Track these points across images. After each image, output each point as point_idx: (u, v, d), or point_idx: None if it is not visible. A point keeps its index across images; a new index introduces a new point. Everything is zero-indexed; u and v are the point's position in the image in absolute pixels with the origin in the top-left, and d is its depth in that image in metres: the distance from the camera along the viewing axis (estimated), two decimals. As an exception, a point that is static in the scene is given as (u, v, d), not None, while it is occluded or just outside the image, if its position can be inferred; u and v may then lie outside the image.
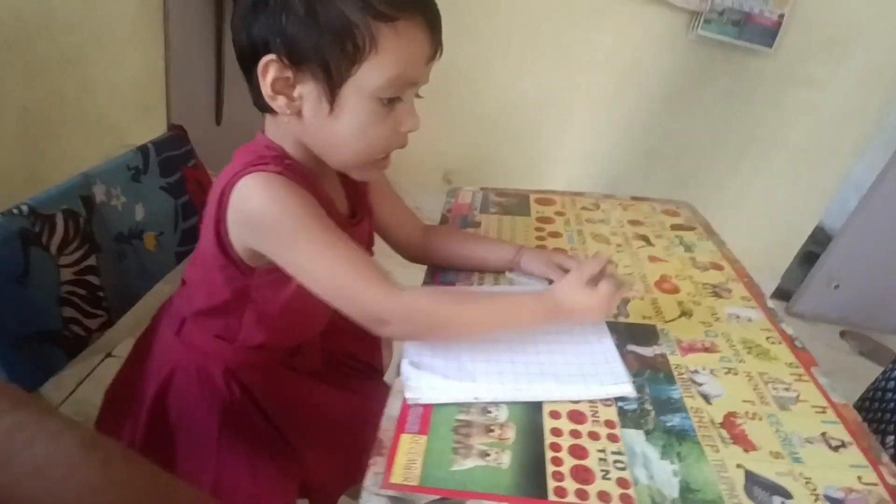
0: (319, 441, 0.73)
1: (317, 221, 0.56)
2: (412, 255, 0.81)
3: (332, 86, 0.54)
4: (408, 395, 0.57)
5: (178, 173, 0.88)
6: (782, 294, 2.26)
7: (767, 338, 0.69)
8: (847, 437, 0.55)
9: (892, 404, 0.70)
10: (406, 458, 0.51)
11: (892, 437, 0.69)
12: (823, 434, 0.56)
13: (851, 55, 1.85)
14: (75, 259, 0.68)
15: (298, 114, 0.57)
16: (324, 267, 0.56)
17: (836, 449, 0.54)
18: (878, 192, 1.96)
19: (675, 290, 0.77)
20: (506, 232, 0.89)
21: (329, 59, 0.53)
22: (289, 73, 0.54)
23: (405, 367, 0.59)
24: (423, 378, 0.58)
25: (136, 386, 0.69)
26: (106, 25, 1.13)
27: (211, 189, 0.60)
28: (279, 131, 0.60)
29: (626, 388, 0.58)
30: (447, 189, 1.05)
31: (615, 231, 0.92)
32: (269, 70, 0.53)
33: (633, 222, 0.96)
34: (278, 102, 0.55)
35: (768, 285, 2.24)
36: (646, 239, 0.90)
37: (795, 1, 1.78)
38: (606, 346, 0.63)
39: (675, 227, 0.95)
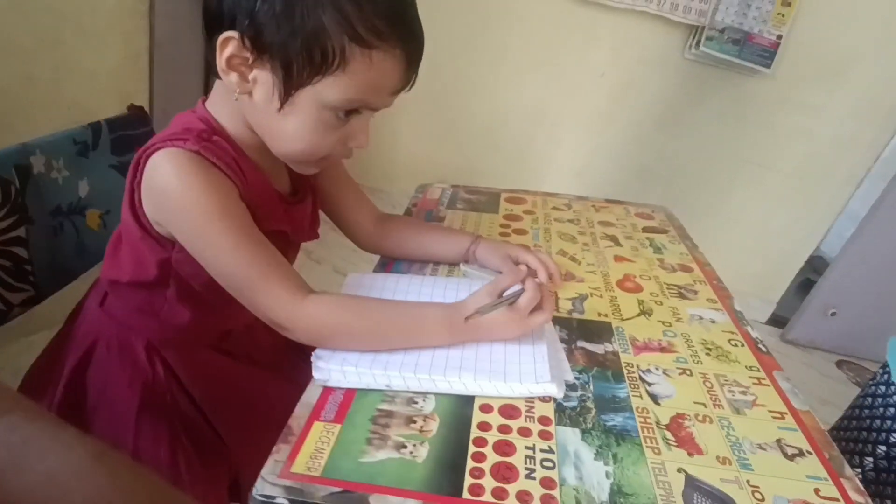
0: (251, 434, 0.68)
1: (225, 215, 0.53)
2: (364, 244, 0.77)
3: (289, 87, 0.51)
4: (315, 375, 0.53)
5: (131, 153, 0.85)
6: (777, 321, 2.20)
7: (730, 340, 0.64)
8: (805, 446, 0.50)
9: (868, 422, 0.65)
10: (314, 447, 0.47)
11: (870, 459, 0.63)
12: (779, 441, 0.50)
13: (847, 83, 1.82)
14: (1, 228, 0.65)
15: (249, 94, 0.54)
16: (227, 265, 0.54)
17: (791, 457, 0.49)
18: (874, 220, 1.92)
19: (638, 289, 0.73)
20: (469, 228, 0.85)
21: (293, 60, 0.50)
22: (247, 55, 0.51)
23: (318, 349, 0.55)
24: (334, 360, 0.53)
25: (58, 356, 0.65)
26: (86, 10, 1.12)
27: None
28: (223, 101, 0.57)
29: (550, 388, 0.53)
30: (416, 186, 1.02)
31: (583, 230, 0.88)
32: (228, 46, 0.50)
33: (604, 223, 0.92)
34: (230, 78, 0.52)
35: (763, 312, 2.19)
36: (614, 239, 0.86)
37: (793, 23, 1.76)
38: (536, 342, 0.59)
39: (647, 230, 0.91)
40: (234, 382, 0.69)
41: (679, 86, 1.95)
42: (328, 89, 0.51)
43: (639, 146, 2.08)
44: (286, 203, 0.63)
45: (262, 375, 0.72)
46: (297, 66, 0.50)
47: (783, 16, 1.76)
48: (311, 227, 0.69)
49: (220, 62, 0.51)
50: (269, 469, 0.45)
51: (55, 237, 0.72)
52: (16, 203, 0.67)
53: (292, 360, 0.75)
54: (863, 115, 1.85)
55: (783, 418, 0.53)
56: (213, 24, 0.52)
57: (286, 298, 0.54)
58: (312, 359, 0.54)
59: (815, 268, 2.24)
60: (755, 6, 1.74)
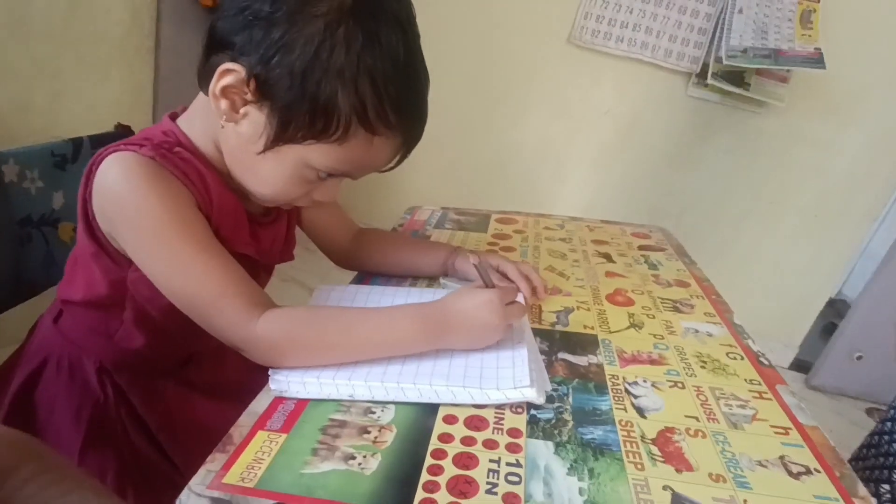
0: None
1: (177, 224, 0.49)
2: (341, 260, 0.74)
3: (278, 139, 0.49)
4: (272, 386, 0.48)
5: (114, 170, 0.84)
6: (800, 366, 2.09)
7: (728, 353, 0.58)
8: (813, 463, 0.44)
9: (886, 447, 0.57)
10: (252, 457, 0.42)
11: (886, 486, 0.55)
12: (782, 458, 0.44)
13: (858, 117, 1.79)
14: (-37, 235, 0.63)
15: (234, 123, 0.51)
16: (178, 281, 0.50)
17: (797, 476, 0.42)
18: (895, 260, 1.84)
19: (629, 303, 0.67)
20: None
21: (293, 118, 0.48)
22: (246, 93, 0.48)
23: None
24: (294, 371, 0.49)
25: (9, 374, 0.62)
26: (89, 41, 1.15)
27: None
28: (200, 120, 0.54)
29: (529, 393, 0.47)
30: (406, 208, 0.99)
31: (574, 248, 0.84)
32: (229, 77, 0.48)
33: (598, 241, 0.87)
34: (220, 105, 0.49)
35: (784, 356, 2.08)
36: (607, 256, 0.82)
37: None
38: (516, 347, 0.54)
39: (642, 248, 0.86)
40: (193, 412, 0.64)
41: (685, 122, 1.94)
42: (317, 154, 0.50)
43: (646, 183, 2.05)
44: (257, 223, 0.60)
45: (224, 406, 0.66)
46: (296, 124, 0.48)
47: (809, 36, 1.67)
48: (284, 247, 0.65)
49: (215, 87, 0.48)
50: (199, 479, 0.40)
51: (21, 248, 0.70)
52: (-18, 210, 0.65)
53: (245, 388, 0.71)
54: (878, 150, 1.81)
55: (787, 434, 0.47)
56: (219, 46, 0.49)
57: (239, 317, 0.49)
58: (269, 371, 0.50)
59: (837, 311, 2.15)
60: (773, 31, 1.69)
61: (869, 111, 1.78)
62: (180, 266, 0.50)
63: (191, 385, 0.65)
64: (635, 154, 2.02)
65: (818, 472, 0.43)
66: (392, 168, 0.56)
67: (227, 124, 0.51)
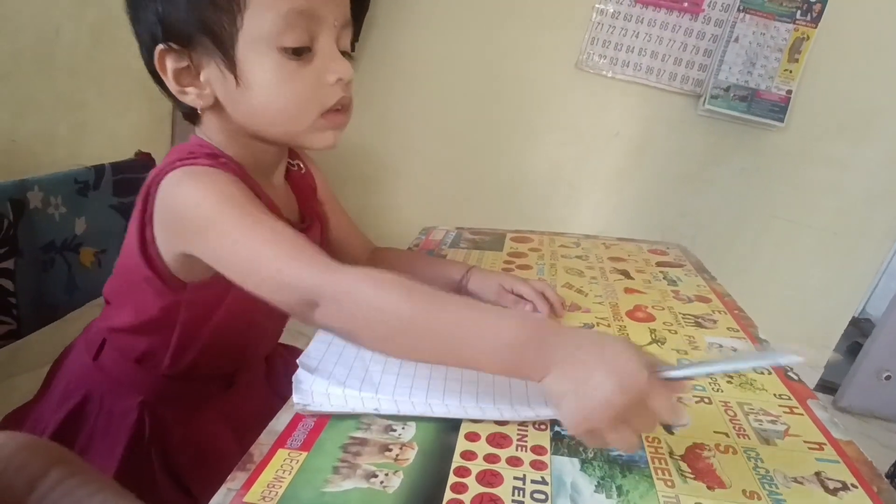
0: None
1: (242, 202, 0.48)
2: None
3: (225, 49, 0.49)
4: (296, 398, 0.48)
5: (134, 195, 0.86)
6: (827, 387, 2.03)
7: (754, 368, 0.57)
8: (850, 479, 0.42)
9: None
10: (273, 475, 0.41)
11: None
12: (818, 474, 0.42)
13: (871, 135, 1.79)
14: (-11, 260, 0.64)
15: (215, 104, 0.52)
16: (244, 244, 0.46)
17: (834, 492, 0.41)
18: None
19: (650, 319, 0.66)
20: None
21: (209, 20, 0.47)
22: (186, 62, 0.50)
23: (299, 371, 0.50)
24: (317, 382, 0.48)
25: (34, 415, 0.61)
26: (111, 73, 1.19)
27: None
28: (215, 135, 0.56)
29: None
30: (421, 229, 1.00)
31: (592, 265, 0.83)
32: (166, 61, 0.49)
33: (615, 258, 0.87)
34: (190, 97, 0.51)
35: (810, 377, 2.02)
36: (625, 273, 0.81)
37: (802, 78, 1.76)
38: None
39: (660, 264, 0.85)
40: (225, 453, 0.64)
41: (695, 142, 1.94)
42: (254, 22, 0.47)
43: (659, 204, 2.05)
44: (298, 229, 0.61)
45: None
46: (215, 21, 0.47)
47: (791, 72, 1.76)
48: None
49: (171, 85, 0.50)
50: (220, 498, 0.39)
51: (44, 272, 0.71)
52: (7, 235, 0.67)
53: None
54: (894, 168, 1.80)
55: (822, 449, 0.45)
56: (153, 68, 0.51)
57: (319, 263, 0.45)
58: (294, 381, 0.49)
59: (862, 330, 2.10)
60: (760, 64, 1.75)
61: (881, 129, 1.77)
62: (247, 230, 0.47)
63: (229, 415, 0.64)
64: (647, 176, 2.02)
65: (855, 487, 0.41)
66: None
67: (212, 113, 0.52)
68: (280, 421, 0.48)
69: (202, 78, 0.51)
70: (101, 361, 0.59)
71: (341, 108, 0.53)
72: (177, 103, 0.53)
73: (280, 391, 0.72)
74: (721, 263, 1.95)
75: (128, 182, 0.84)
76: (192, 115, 0.55)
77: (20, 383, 0.69)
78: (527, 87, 1.98)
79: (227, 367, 0.65)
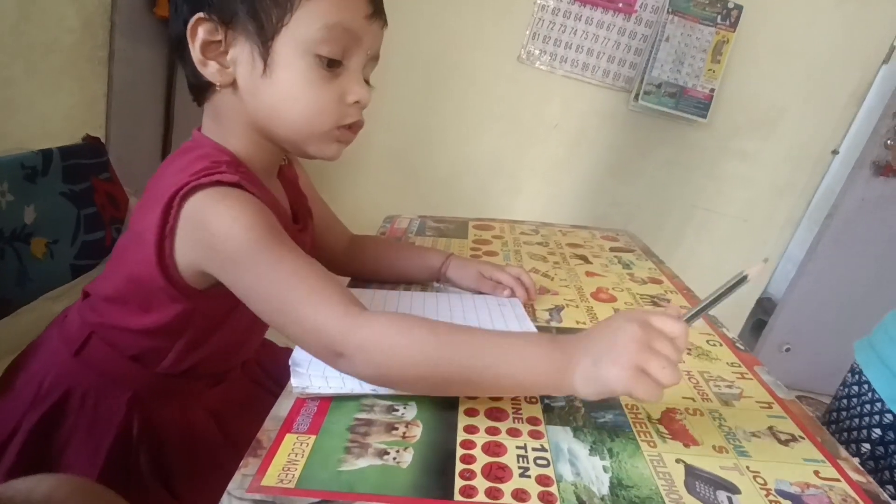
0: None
1: (277, 239, 0.48)
2: (336, 265, 0.75)
3: (265, 38, 0.49)
4: (294, 382, 0.48)
5: (85, 182, 0.82)
6: (738, 359, 2.24)
7: (708, 340, 0.64)
8: (797, 431, 0.49)
9: (858, 409, 0.65)
10: (286, 459, 0.42)
11: (867, 446, 0.62)
12: (770, 428, 0.49)
13: (778, 131, 1.98)
14: (-69, 252, 0.59)
15: (233, 85, 0.51)
16: (274, 285, 0.46)
17: (785, 443, 0.48)
18: (811, 262, 2.05)
19: (612, 300, 0.72)
20: (439, 252, 0.84)
21: (260, 8, 0.48)
22: (220, 37, 0.49)
23: (295, 354, 0.51)
24: (314, 365, 0.50)
25: (9, 411, 0.56)
26: (40, 50, 1.09)
27: (142, 200, 0.53)
28: (218, 123, 0.54)
29: None
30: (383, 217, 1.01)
31: (553, 251, 0.88)
32: (199, 31, 0.49)
33: (572, 245, 0.93)
34: (209, 69, 0.50)
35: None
36: (584, 258, 0.87)
37: (723, 77, 1.91)
38: (523, 324, 0.57)
39: (614, 249, 0.92)
40: (212, 445, 0.62)
41: (626, 136, 2.07)
42: (302, 24, 0.48)
43: (594, 194, 2.16)
44: (295, 231, 0.60)
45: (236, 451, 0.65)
46: (265, 9, 0.48)
47: (714, 71, 1.91)
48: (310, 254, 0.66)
49: (195, 53, 0.49)
50: (237, 484, 0.40)
51: (-7, 264, 0.67)
52: (-50, 225, 0.62)
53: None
54: (795, 162, 2.00)
55: (771, 408, 0.52)
56: (181, 36, 0.50)
57: (341, 312, 0.45)
58: (291, 364, 0.50)
59: (764, 309, 2.32)
60: (687, 63, 1.89)
61: (786, 125, 1.97)
62: (279, 268, 0.46)
63: (213, 409, 0.63)
64: (583, 166, 2.13)
65: (802, 438, 0.48)
66: (385, 24, 0.53)
67: (227, 93, 0.51)
68: (282, 407, 0.48)
69: (229, 56, 0.50)
70: (84, 356, 0.57)
71: (352, 127, 0.55)
72: (192, 75, 0.52)
73: (256, 378, 0.71)
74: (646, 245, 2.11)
75: (78, 168, 0.79)
76: (199, 92, 0.53)
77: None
78: (470, 78, 2.01)
79: (225, 366, 0.64)
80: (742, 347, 0.63)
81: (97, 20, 1.24)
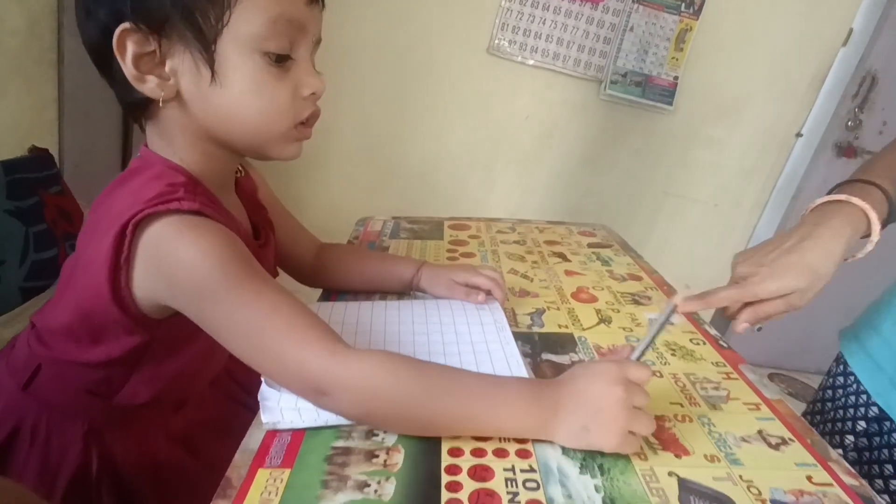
0: None
1: (251, 271, 0.45)
2: (305, 277, 0.71)
3: (206, 43, 0.44)
4: (264, 417, 0.45)
5: (33, 198, 0.76)
6: (712, 340, 2.28)
7: (691, 339, 0.63)
8: (786, 434, 0.48)
9: (843, 400, 0.65)
10: (258, 499, 0.39)
11: (850, 437, 0.62)
12: (760, 432, 0.48)
13: (743, 118, 2.00)
14: None
15: (177, 97, 0.47)
16: (252, 322, 0.44)
17: (776, 447, 0.47)
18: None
19: (593, 300, 0.71)
20: (415, 256, 0.81)
21: (195, 10, 0.43)
22: (152, 46, 0.44)
23: (264, 387, 0.47)
24: (284, 398, 0.46)
25: None
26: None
27: (89, 223, 0.49)
28: (166, 139, 0.49)
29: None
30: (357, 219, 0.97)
31: (531, 250, 0.86)
32: (127, 44, 0.44)
33: (550, 242, 0.91)
34: (148, 85, 0.45)
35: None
36: (562, 256, 0.85)
37: (686, 65, 1.92)
38: (510, 353, 0.55)
39: (591, 245, 0.91)
40: (185, 475, 0.59)
41: (598, 125, 2.06)
42: (243, 21, 0.44)
43: (567, 185, 2.16)
44: (257, 248, 0.56)
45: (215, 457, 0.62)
46: (201, 11, 0.44)
47: (677, 59, 1.92)
48: (272, 271, 0.62)
49: (129, 70, 0.44)
50: (205, 531, 0.37)
51: (-70, 292, 0.61)
52: None
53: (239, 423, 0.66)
54: (760, 146, 2.03)
55: (759, 409, 0.51)
56: (103, 48, 0.45)
57: (327, 351, 0.44)
58: (260, 399, 0.46)
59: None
60: (652, 52, 1.89)
61: (751, 112, 1.99)
62: (254, 304, 0.44)
63: (182, 437, 0.60)
64: (555, 158, 2.12)
65: (792, 441, 0.47)
66: (324, 4, 0.50)
67: (172, 107, 0.47)
68: (253, 438, 0.45)
69: (167, 67, 0.46)
70: (34, 389, 0.52)
71: (308, 121, 0.51)
72: (125, 92, 0.47)
73: (230, 393, 0.68)
74: (622, 236, 2.12)
75: (25, 183, 0.74)
76: (137, 109, 0.49)
77: None
78: (440, 71, 1.98)
79: (188, 391, 0.61)
80: (725, 345, 0.62)
81: (44, 21, 1.16)
